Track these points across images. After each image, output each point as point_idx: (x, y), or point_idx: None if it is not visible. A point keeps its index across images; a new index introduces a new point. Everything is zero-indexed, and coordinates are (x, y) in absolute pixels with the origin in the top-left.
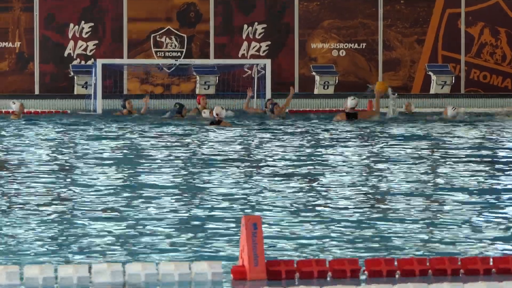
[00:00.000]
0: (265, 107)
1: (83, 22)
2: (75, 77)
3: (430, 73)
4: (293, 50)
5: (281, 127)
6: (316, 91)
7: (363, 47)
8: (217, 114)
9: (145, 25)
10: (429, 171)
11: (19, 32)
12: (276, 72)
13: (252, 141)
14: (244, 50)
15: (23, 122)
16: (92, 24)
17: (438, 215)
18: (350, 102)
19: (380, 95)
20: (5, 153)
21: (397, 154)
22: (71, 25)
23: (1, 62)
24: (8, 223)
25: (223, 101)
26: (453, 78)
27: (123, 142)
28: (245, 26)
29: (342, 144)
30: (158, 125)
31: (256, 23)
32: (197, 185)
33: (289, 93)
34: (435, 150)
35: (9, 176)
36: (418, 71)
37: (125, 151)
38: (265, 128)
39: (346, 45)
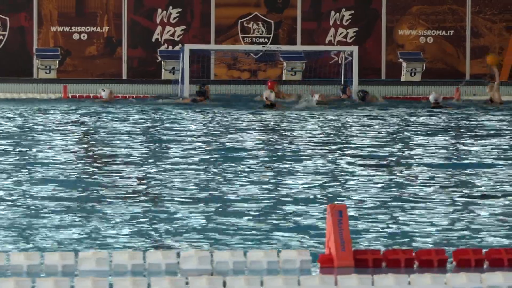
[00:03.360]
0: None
1: (171, 7)
2: (162, 62)
3: None
4: (380, 37)
5: (366, 113)
6: (403, 78)
7: (451, 34)
8: (266, 98)
9: (233, 10)
10: None
11: (107, 17)
12: (363, 59)
13: (334, 126)
14: (331, 36)
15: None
16: (180, 9)
17: None
18: (432, 97)
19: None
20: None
21: (488, 143)
22: (159, 10)
23: (90, 46)
24: (93, 211)
25: (310, 88)
26: None
27: (201, 129)
28: (333, 12)
29: (427, 132)
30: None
31: (343, 9)
32: (280, 173)
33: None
34: None
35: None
36: (506, 58)
37: (206, 137)
38: (345, 114)
39: (434, 32)
